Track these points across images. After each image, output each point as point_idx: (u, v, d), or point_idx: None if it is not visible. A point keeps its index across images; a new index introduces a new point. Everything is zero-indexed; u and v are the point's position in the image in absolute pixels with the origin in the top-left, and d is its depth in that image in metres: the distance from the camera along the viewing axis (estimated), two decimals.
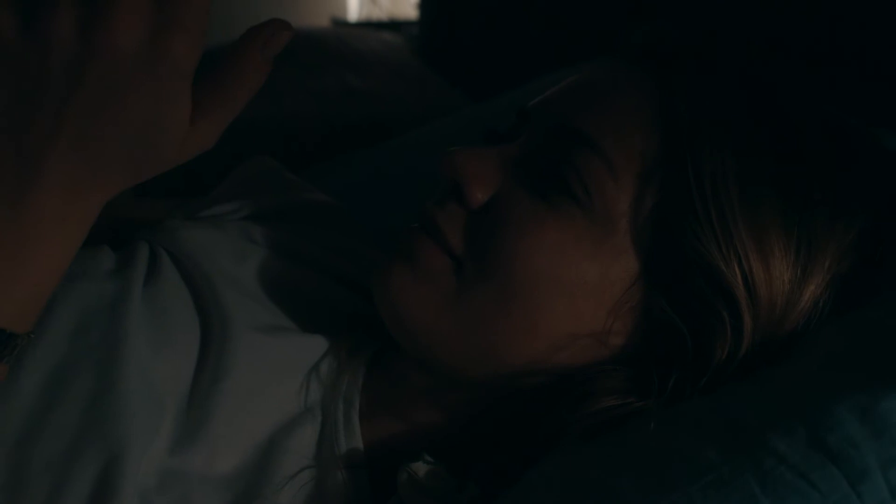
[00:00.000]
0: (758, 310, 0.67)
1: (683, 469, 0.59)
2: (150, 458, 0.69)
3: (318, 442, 0.75)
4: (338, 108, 1.48)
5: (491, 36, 1.61)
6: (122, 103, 0.52)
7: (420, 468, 0.70)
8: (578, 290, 0.69)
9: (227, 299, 0.78)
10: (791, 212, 0.68)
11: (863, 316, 0.68)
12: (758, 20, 1.12)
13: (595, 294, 0.69)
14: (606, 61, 0.77)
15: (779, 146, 0.69)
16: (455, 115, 1.29)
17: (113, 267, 0.79)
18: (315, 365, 0.78)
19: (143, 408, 0.70)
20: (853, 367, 0.63)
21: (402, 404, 0.76)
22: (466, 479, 0.69)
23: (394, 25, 2.10)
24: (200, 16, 0.53)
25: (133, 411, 0.69)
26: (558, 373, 0.70)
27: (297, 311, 0.83)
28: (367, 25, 2.16)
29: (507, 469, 0.68)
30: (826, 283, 0.69)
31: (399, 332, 0.73)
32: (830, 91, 0.82)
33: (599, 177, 0.68)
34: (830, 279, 0.69)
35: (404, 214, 0.78)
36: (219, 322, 0.76)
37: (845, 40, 1.06)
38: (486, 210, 0.71)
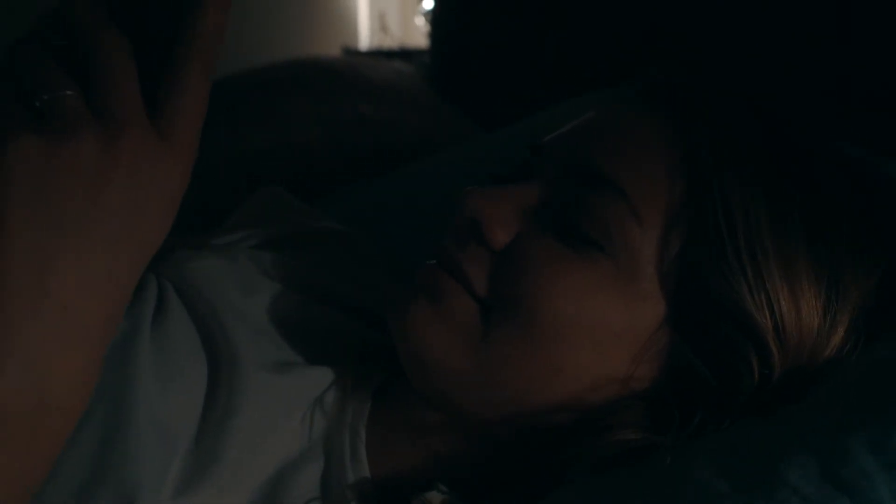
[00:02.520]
0: (786, 354, 0.67)
1: (696, 501, 0.59)
2: (161, 500, 0.68)
3: (325, 475, 0.74)
4: (350, 136, 1.48)
5: (502, 65, 1.61)
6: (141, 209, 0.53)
7: (434, 498, 0.69)
8: (603, 335, 0.68)
9: (234, 336, 0.78)
10: (820, 255, 0.68)
11: (876, 352, 0.68)
12: (767, 52, 1.12)
13: (620, 339, 0.69)
14: (622, 99, 0.77)
15: (804, 189, 0.69)
16: (467, 145, 1.29)
17: None
18: (319, 397, 0.78)
19: (153, 450, 0.70)
20: (866, 401, 0.63)
21: (412, 436, 0.76)
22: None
23: (405, 54, 2.11)
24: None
25: (144, 455, 0.69)
26: (579, 411, 0.70)
27: (305, 344, 0.83)
28: (378, 54, 2.17)
29: (521, 501, 0.67)
30: (852, 325, 0.69)
31: (417, 371, 0.73)
32: (839, 121, 0.82)
33: (624, 223, 0.68)
34: (855, 321, 0.69)
35: (416, 244, 0.78)
36: (227, 360, 0.76)
37: (852, 69, 1.06)
38: (508, 253, 0.71)
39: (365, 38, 2.60)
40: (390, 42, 2.54)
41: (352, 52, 2.26)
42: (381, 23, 2.60)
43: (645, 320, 0.69)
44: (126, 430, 0.69)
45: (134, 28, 0.53)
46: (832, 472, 0.57)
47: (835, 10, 1.06)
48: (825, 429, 0.61)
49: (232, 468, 0.72)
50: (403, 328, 0.72)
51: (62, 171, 0.50)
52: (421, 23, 2.44)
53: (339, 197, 1.21)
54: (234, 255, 0.88)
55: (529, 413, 0.70)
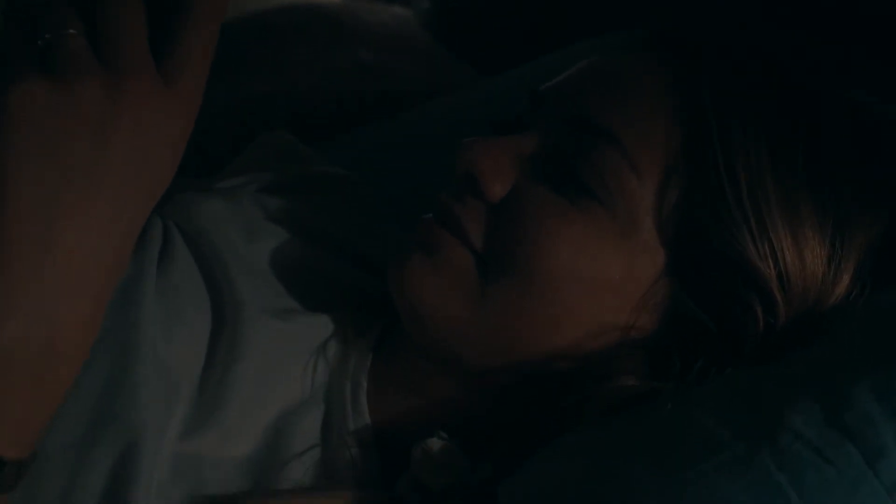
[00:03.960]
0: (790, 303, 0.66)
1: (698, 447, 0.59)
2: (165, 445, 0.69)
3: (326, 422, 0.75)
4: (350, 83, 1.47)
5: (502, 10, 1.60)
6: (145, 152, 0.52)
7: (434, 444, 0.69)
8: (602, 286, 0.68)
9: (238, 281, 0.78)
10: (825, 202, 0.67)
11: (882, 298, 0.67)
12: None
13: (619, 290, 0.68)
14: (622, 46, 0.76)
15: (807, 135, 0.68)
16: (466, 91, 1.28)
17: None
18: (322, 345, 0.78)
19: (157, 394, 0.70)
20: (871, 347, 0.62)
21: (412, 385, 0.76)
22: (480, 458, 0.69)
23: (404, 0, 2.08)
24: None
25: (148, 398, 0.69)
26: (579, 360, 0.70)
27: (307, 291, 0.82)
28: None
29: (521, 449, 0.67)
30: (857, 272, 0.68)
31: (415, 324, 0.73)
32: (843, 66, 0.81)
33: (621, 174, 0.67)
34: (860, 268, 0.68)
35: (417, 190, 0.78)
36: (231, 305, 0.76)
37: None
38: (505, 204, 0.70)
39: None
40: None
41: None
42: None
43: (644, 271, 0.68)
44: (130, 374, 0.69)
45: None
46: (836, 418, 0.57)
47: None
48: (829, 375, 0.61)
49: (235, 413, 0.72)
50: (401, 283, 0.72)
51: (66, 115, 0.50)
52: None
53: (340, 143, 1.20)
54: (239, 199, 0.88)
55: (528, 362, 0.70)
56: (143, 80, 0.51)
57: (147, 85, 0.51)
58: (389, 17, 1.73)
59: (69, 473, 0.66)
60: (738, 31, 0.78)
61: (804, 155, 0.68)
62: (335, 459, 0.73)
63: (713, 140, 0.67)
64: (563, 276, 0.68)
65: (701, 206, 0.67)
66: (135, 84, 0.51)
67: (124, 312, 0.72)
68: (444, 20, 1.75)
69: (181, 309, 0.75)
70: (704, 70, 0.70)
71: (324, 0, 1.77)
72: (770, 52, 0.74)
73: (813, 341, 0.65)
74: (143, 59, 0.51)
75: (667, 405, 0.63)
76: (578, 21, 1.29)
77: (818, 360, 0.63)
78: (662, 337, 0.69)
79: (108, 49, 0.50)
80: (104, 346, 0.70)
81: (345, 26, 1.60)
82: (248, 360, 0.74)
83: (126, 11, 0.51)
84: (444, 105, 1.23)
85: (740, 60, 0.72)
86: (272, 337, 0.76)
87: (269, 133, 1.02)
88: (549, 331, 0.69)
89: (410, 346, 0.75)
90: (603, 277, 0.68)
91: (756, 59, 0.73)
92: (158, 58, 0.52)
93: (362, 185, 0.97)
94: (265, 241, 0.84)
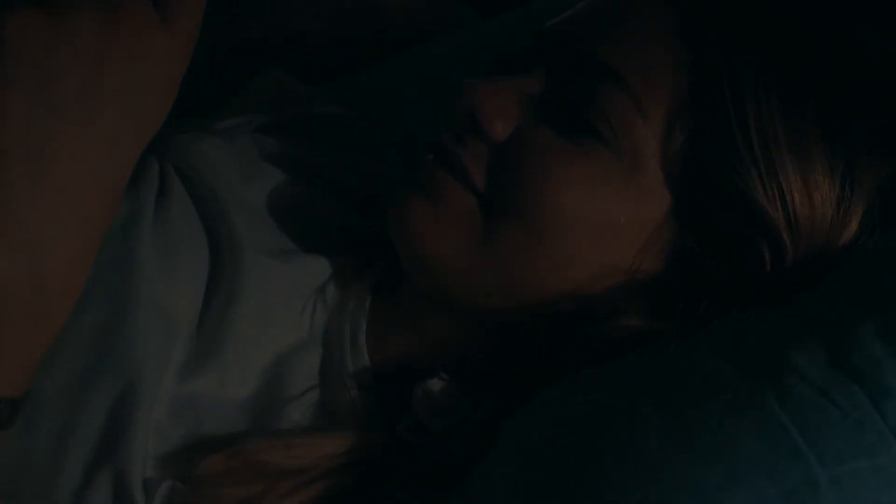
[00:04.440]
0: (798, 246, 0.66)
1: (701, 388, 0.59)
2: (164, 386, 0.69)
3: (325, 364, 0.74)
4: (349, 24, 1.45)
5: None
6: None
7: (435, 385, 0.69)
8: (607, 229, 0.67)
9: (236, 221, 0.77)
10: (835, 144, 0.66)
11: (888, 241, 0.67)
12: None
13: (624, 233, 0.68)
14: None
15: (818, 75, 0.67)
16: (466, 30, 1.27)
17: None
18: (321, 287, 0.77)
19: (155, 336, 0.70)
20: (877, 288, 0.62)
21: (412, 326, 0.75)
22: (481, 398, 0.69)
23: None
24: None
25: (146, 340, 0.69)
26: (582, 302, 0.69)
27: (305, 232, 0.82)
28: None
29: (523, 390, 0.67)
30: (866, 214, 0.67)
31: (415, 267, 0.72)
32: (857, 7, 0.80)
33: (627, 115, 0.66)
34: (870, 210, 0.67)
35: (418, 130, 0.77)
36: (229, 246, 0.75)
37: None
38: (508, 146, 0.69)
39: None
40: None
41: None
42: None
43: (649, 214, 0.68)
44: (128, 314, 0.69)
45: None
46: (841, 359, 0.56)
47: None
48: (835, 315, 0.60)
49: (233, 354, 0.72)
50: (401, 226, 0.71)
51: (63, 48, 0.49)
52: None
53: (337, 85, 1.19)
54: (237, 139, 0.87)
55: (531, 304, 0.70)
56: (139, 15, 0.51)
57: (143, 20, 0.51)
58: None
59: (67, 414, 0.66)
60: None
61: (815, 96, 0.67)
62: (334, 401, 0.73)
63: (722, 81, 0.66)
64: (566, 219, 0.67)
65: (709, 149, 0.66)
66: (131, 18, 0.50)
67: (121, 254, 0.71)
68: None
69: (178, 250, 0.75)
70: (713, 10, 0.69)
71: None
72: None
73: (819, 283, 0.65)
74: None
75: (671, 346, 0.63)
76: None
77: (824, 301, 0.63)
78: (667, 279, 0.68)
79: None
80: (101, 288, 0.69)
81: None
82: (246, 300, 0.73)
83: None
84: (444, 46, 1.22)
85: (750, 1, 0.70)
86: (270, 278, 0.75)
87: (268, 72, 1.01)
88: (552, 273, 0.69)
89: (410, 288, 0.75)
90: (607, 220, 0.67)
91: (766, 1, 0.71)
92: None
93: (361, 124, 0.96)
94: (263, 182, 0.83)
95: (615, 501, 0.53)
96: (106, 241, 0.70)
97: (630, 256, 0.68)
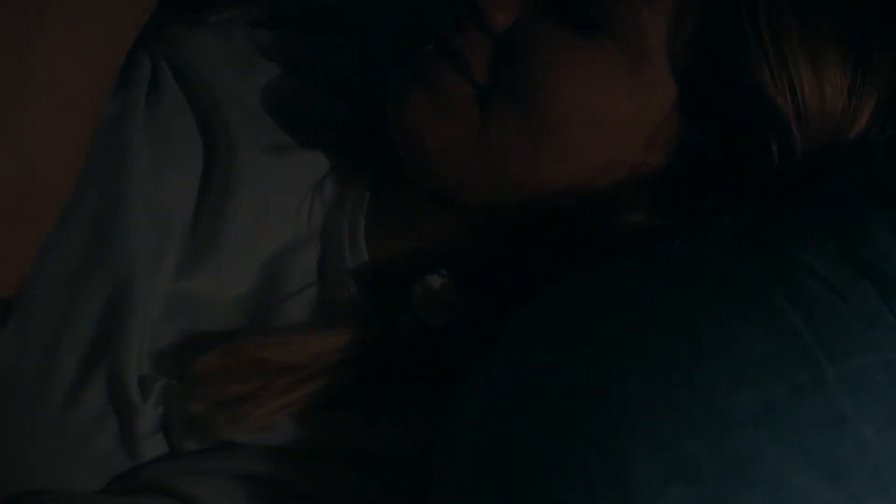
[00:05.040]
0: (807, 138, 0.64)
1: (707, 284, 0.57)
2: (158, 284, 0.69)
3: (323, 261, 0.74)
4: None
5: None
6: None
7: (435, 281, 0.69)
8: (610, 121, 0.66)
9: (230, 117, 0.76)
10: (847, 35, 0.65)
11: None
12: None
13: (628, 126, 0.67)
14: None
15: None
16: None
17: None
18: (318, 183, 0.76)
19: (148, 233, 0.69)
20: (889, 182, 0.60)
21: (412, 222, 0.74)
22: (481, 296, 0.68)
23: None
24: None
25: (139, 238, 0.68)
26: (585, 197, 0.68)
27: (301, 128, 0.81)
28: None
29: (524, 288, 0.66)
30: (878, 106, 0.66)
31: (414, 161, 0.71)
32: None
33: (632, 4, 0.65)
34: (882, 101, 0.66)
35: (419, 24, 0.75)
36: (223, 141, 0.75)
37: None
38: (509, 36, 0.68)
39: None
40: None
41: None
42: None
43: (654, 107, 0.66)
44: (120, 211, 0.69)
45: None
46: (851, 254, 0.55)
47: None
48: (844, 210, 0.59)
49: (229, 251, 0.71)
50: (400, 119, 0.70)
51: None
52: None
53: None
54: (231, 32, 0.85)
55: (533, 199, 0.69)
56: None
57: None
58: None
59: (59, 314, 0.66)
60: None
61: None
62: (333, 298, 0.72)
63: None
64: (568, 111, 0.66)
65: (717, 39, 0.65)
66: None
67: (112, 150, 0.70)
68: None
69: (171, 146, 0.74)
70: None
71: None
72: None
73: (828, 178, 0.64)
74: None
75: (675, 243, 0.61)
76: None
77: (833, 196, 0.62)
78: (672, 174, 0.67)
79: None
80: (92, 185, 0.68)
81: None
82: (242, 197, 0.72)
83: None
84: None
85: None
86: (266, 174, 0.74)
87: None
88: (553, 167, 0.68)
89: (409, 183, 0.74)
90: (610, 112, 0.66)
91: None
92: None
93: (358, 18, 0.94)
94: (257, 77, 0.82)
95: (617, 398, 0.53)
96: (97, 137, 0.70)
97: (634, 150, 0.67)
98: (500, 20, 0.68)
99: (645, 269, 0.62)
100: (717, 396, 0.51)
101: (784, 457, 0.49)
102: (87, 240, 0.68)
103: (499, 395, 0.59)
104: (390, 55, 0.89)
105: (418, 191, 0.73)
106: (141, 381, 0.66)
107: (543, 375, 0.57)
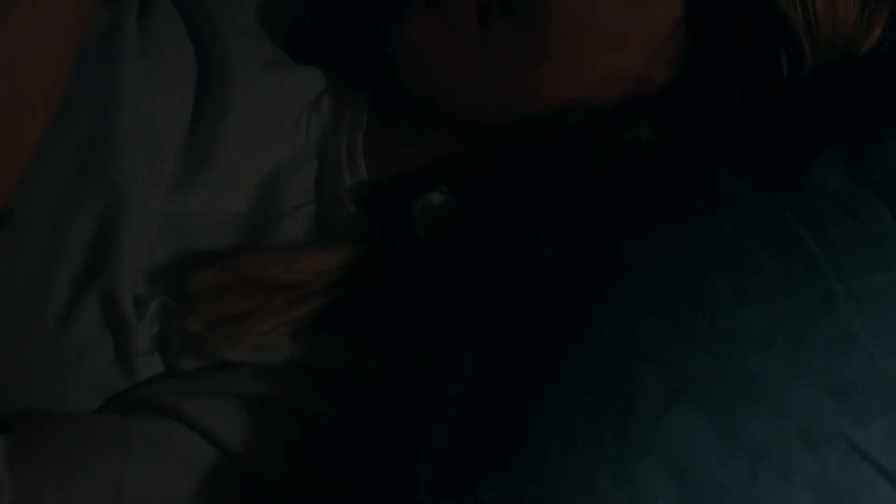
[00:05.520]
0: (818, 51, 0.63)
1: (713, 201, 0.56)
2: (152, 202, 0.68)
3: (320, 178, 0.73)
4: None
5: None
6: None
7: (435, 199, 0.68)
8: (614, 34, 0.65)
9: (224, 32, 0.75)
10: None
11: None
12: None
13: (633, 41, 0.66)
14: None
15: None
16: None
17: None
18: (315, 99, 0.75)
19: (141, 150, 0.68)
20: None
21: (411, 140, 0.73)
22: (482, 214, 0.68)
23: None
24: None
25: (131, 154, 0.68)
26: (588, 113, 0.67)
27: (298, 43, 0.80)
28: None
29: (526, 205, 0.66)
30: (889, 23, 0.65)
31: (415, 77, 0.70)
32: None
33: None
34: (893, 19, 0.65)
35: None
36: (217, 56, 0.74)
37: None
38: None
39: None
40: None
41: None
42: None
43: (659, 20, 0.65)
44: (112, 127, 0.68)
45: None
46: (863, 171, 0.53)
47: None
48: (857, 126, 0.57)
49: (225, 169, 0.70)
50: (402, 34, 0.69)
51: None
52: None
53: None
54: None
55: (535, 115, 0.68)
56: None
57: None
58: None
59: (51, 232, 0.66)
60: None
61: None
62: (331, 216, 0.71)
63: None
64: (571, 24, 0.65)
65: None
66: None
67: (103, 66, 0.69)
68: None
69: (165, 61, 0.73)
70: None
71: None
72: None
73: (839, 92, 0.62)
74: None
75: (681, 158, 0.60)
76: None
77: (844, 111, 0.60)
78: (678, 90, 0.67)
79: None
80: (83, 101, 0.68)
81: None
82: (237, 113, 0.72)
83: None
84: None
85: None
86: (262, 90, 0.73)
87: None
88: (555, 82, 0.67)
89: (408, 100, 0.73)
90: (614, 25, 0.65)
91: None
92: None
93: None
94: None
95: (621, 316, 0.52)
96: (87, 52, 0.69)
97: (639, 65, 0.66)
98: None
99: (650, 187, 0.61)
100: (723, 315, 0.50)
101: (790, 376, 0.48)
102: (77, 157, 0.67)
103: (500, 313, 0.58)
104: None
105: (418, 108, 0.72)
106: (136, 301, 0.66)
107: (545, 294, 0.56)
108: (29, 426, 0.65)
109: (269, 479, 0.63)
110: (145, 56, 0.72)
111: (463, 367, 0.58)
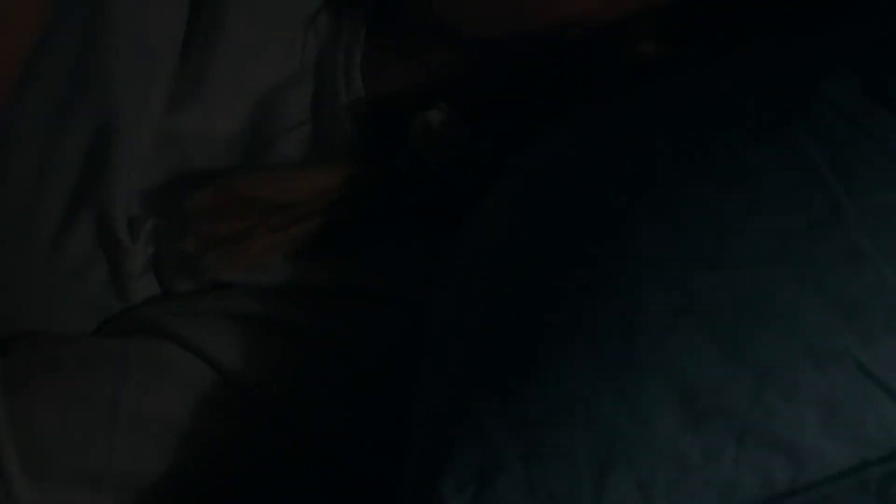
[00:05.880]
0: None
1: (722, 117, 0.55)
2: (146, 121, 0.68)
3: (317, 96, 0.72)
4: None
5: None
6: None
7: (434, 116, 0.66)
8: None
9: None
10: None
11: None
12: None
13: None
14: None
15: None
16: None
17: None
18: (312, 16, 0.73)
19: (134, 65, 0.68)
20: None
21: (410, 57, 0.72)
22: (483, 131, 0.67)
23: None
24: None
25: (124, 69, 0.67)
26: (594, 27, 0.66)
27: None
28: None
29: (527, 122, 0.65)
30: None
31: None
32: None
33: None
34: None
35: None
36: None
37: None
38: None
39: None
40: None
41: None
42: None
43: None
44: (103, 43, 0.67)
45: None
46: (876, 87, 0.52)
47: None
48: (870, 42, 0.56)
49: (220, 86, 0.70)
50: None
51: None
52: None
53: None
54: None
55: (535, 31, 0.67)
56: None
57: None
58: None
59: (42, 153, 0.66)
60: None
61: None
62: (328, 135, 0.70)
63: None
64: None
65: None
66: None
67: None
68: None
69: None
70: None
71: None
72: None
73: (853, 6, 0.61)
74: None
75: (688, 74, 0.59)
76: None
77: (858, 27, 0.59)
78: (686, 2, 0.65)
79: None
80: (73, 16, 0.67)
81: None
82: (233, 30, 0.71)
83: None
84: None
85: None
86: (258, 7, 0.72)
87: None
88: None
89: (408, 16, 0.72)
90: None
91: None
92: None
93: None
94: None
95: (625, 232, 0.51)
96: None
97: None
98: None
99: (656, 102, 0.59)
100: (730, 231, 0.49)
101: (798, 293, 0.47)
102: (68, 75, 0.67)
103: (500, 231, 0.57)
104: None
105: (417, 24, 0.71)
106: (130, 222, 0.66)
107: (546, 210, 0.56)
108: (24, 348, 0.65)
109: (264, 397, 0.63)
110: None
111: (462, 286, 0.57)
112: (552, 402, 0.47)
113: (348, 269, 0.66)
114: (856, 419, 0.46)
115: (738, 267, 0.48)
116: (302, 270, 0.65)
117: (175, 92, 0.69)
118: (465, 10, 0.67)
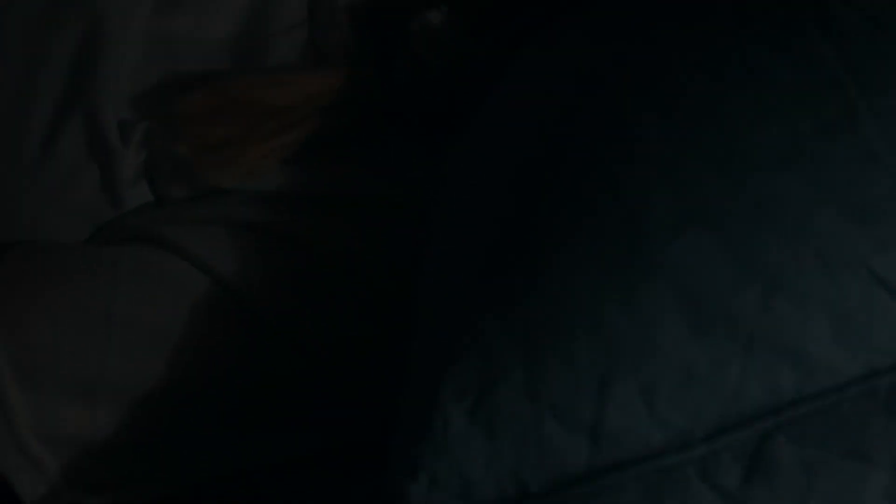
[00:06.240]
0: None
1: (731, 16, 0.53)
2: (135, 22, 0.66)
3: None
4: None
5: None
6: None
7: (434, 17, 0.65)
8: None
9: None
10: None
11: None
12: None
13: None
14: None
15: None
16: None
17: None
18: None
19: None
20: None
21: None
22: (483, 33, 0.66)
23: None
24: None
25: None
26: None
27: None
28: None
29: (529, 21, 0.64)
30: None
31: None
32: None
33: None
34: None
35: None
36: None
37: None
38: None
39: None
40: None
41: None
42: None
43: None
44: None
45: None
46: None
47: None
48: None
49: None
50: None
51: None
52: None
53: None
54: None
55: None
56: None
57: None
58: None
59: (29, 58, 0.65)
60: None
61: None
62: (324, 38, 0.69)
63: None
64: None
65: None
66: None
67: None
68: None
69: None
70: None
71: None
72: None
73: None
74: None
75: None
76: None
77: None
78: None
79: None
80: None
81: None
82: None
83: None
84: None
85: None
86: None
87: None
88: None
89: None
90: None
91: None
92: None
93: None
94: None
95: (631, 134, 0.49)
96: None
97: None
98: None
99: (661, 6, 0.57)
100: (740, 134, 0.47)
101: (810, 198, 0.45)
102: None
103: (504, 133, 0.56)
104: None
105: None
106: (121, 126, 0.65)
107: (550, 107, 0.54)
108: (17, 256, 0.64)
109: (260, 304, 0.62)
110: None
111: (463, 192, 0.56)
112: (554, 307, 0.46)
113: (345, 175, 0.65)
114: (866, 328, 0.45)
115: (749, 170, 0.46)
116: (299, 176, 0.64)
117: None
118: None
